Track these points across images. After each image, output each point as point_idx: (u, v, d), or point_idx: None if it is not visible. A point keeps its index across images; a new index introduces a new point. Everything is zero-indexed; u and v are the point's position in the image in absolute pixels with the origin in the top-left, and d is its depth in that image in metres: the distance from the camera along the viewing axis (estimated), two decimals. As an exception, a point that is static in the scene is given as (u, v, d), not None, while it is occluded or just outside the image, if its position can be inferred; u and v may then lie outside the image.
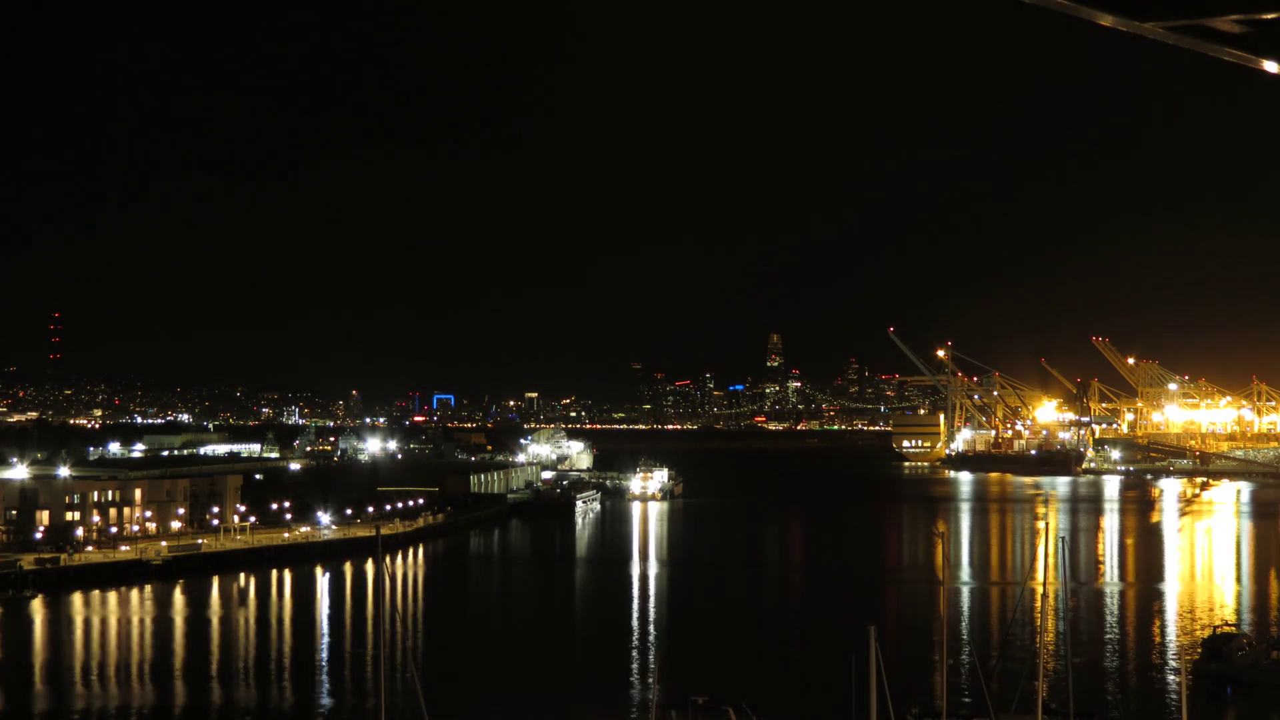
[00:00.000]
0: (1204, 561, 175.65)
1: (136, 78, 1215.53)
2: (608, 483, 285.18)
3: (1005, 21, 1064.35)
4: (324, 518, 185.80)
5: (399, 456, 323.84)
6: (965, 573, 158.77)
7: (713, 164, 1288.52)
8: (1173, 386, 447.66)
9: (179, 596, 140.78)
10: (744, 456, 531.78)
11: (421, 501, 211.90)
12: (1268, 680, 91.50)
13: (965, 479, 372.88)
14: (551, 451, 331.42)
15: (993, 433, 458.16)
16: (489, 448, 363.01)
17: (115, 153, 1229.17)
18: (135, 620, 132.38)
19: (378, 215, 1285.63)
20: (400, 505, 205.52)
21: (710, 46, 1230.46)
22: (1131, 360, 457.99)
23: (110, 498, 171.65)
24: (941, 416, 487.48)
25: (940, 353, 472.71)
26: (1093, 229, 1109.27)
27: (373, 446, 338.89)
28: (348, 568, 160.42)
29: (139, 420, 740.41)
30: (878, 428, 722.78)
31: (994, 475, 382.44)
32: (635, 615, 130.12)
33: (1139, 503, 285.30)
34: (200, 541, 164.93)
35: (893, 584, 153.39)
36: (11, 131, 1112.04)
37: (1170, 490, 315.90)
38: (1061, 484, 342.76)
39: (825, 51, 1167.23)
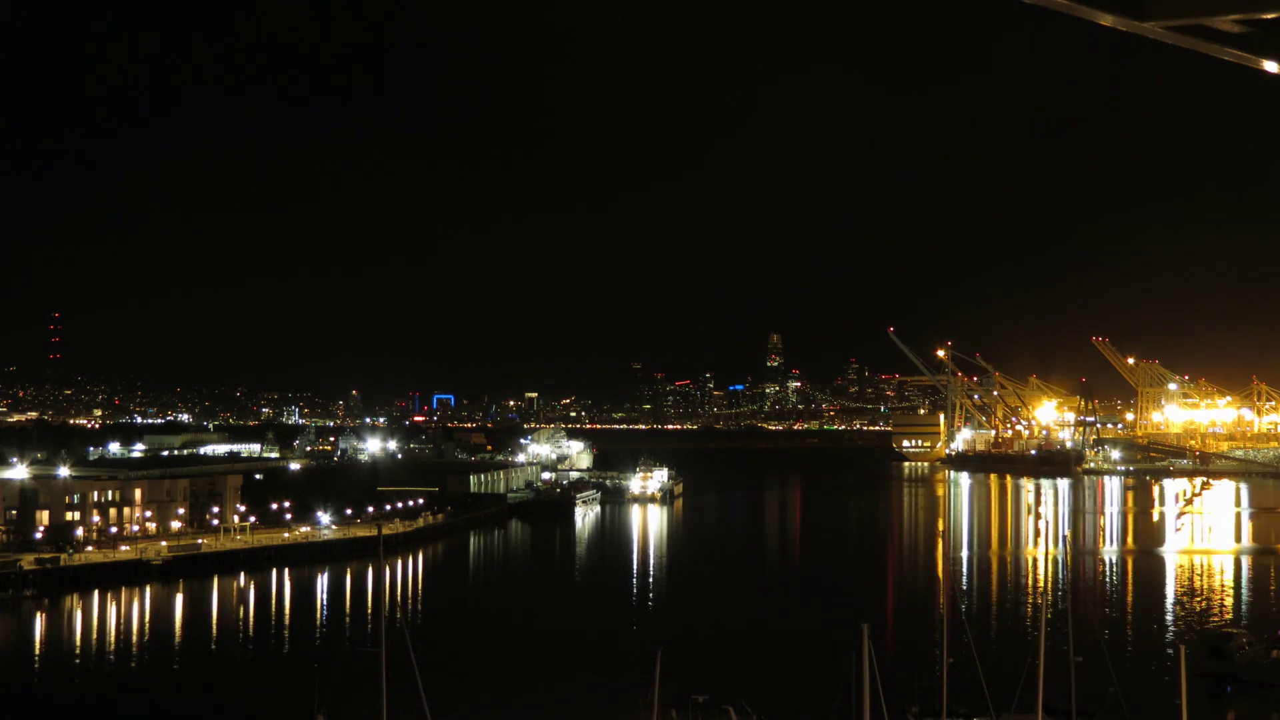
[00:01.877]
0: (1204, 561, 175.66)
1: (134, 74, 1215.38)
2: (607, 483, 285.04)
3: (1006, 24, 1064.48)
4: (324, 518, 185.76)
5: (399, 456, 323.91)
6: (966, 571, 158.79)
7: (714, 164, 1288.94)
8: (1173, 386, 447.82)
9: (179, 597, 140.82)
10: (744, 456, 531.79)
11: (421, 501, 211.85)
12: (1267, 679, 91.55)
13: (965, 479, 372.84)
14: (551, 451, 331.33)
15: (993, 433, 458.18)
16: (489, 448, 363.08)
17: (115, 151, 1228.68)
18: (135, 620, 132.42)
19: (378, 216, 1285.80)
20: (400, 505, 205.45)
21: (713, 46, 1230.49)
22: (1131, 360, 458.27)
23: (110, 498, 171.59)
24: (941, 416, 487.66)
25: (940, 352, 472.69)
26: (1093, 231, 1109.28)
27: (373, 446, 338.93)
28: (348, 568, 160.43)
29: (139, 420, 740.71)
30: (878, 428, 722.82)
31: (994, 475, 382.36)
32: (635, 613, 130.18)
33: (1139, 502, 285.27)
34: (200, 541, 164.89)
35: (893, 582, 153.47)
36: (10, 131, 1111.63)
37: (1170, 490, 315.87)
38: (1062, 484, 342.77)
39: (825, 51, 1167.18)
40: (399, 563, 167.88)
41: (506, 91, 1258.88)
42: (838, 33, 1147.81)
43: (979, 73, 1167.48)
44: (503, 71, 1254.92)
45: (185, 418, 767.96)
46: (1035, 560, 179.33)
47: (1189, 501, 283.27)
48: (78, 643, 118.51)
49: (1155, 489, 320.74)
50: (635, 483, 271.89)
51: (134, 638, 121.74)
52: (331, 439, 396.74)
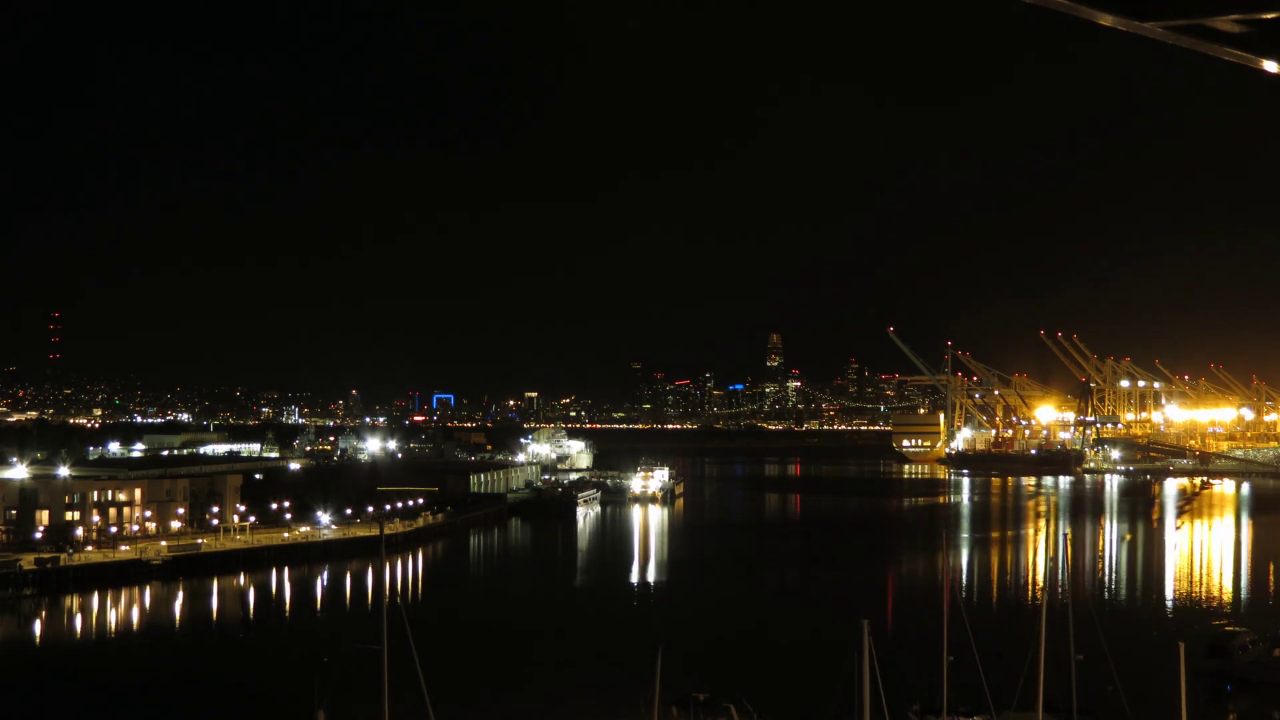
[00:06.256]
0: (1204, 560, 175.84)
1: (134, 71, 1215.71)
2: (608, 482, 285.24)
3: (1010, 31, 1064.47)
4: (324, 518, 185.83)
5: (399, 456, 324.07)
6: (966, 569, 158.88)
7: (716, 163, 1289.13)
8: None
9: (179, 596, 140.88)
10: (744, 456, 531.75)
11: (421, 501, 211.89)
12: (1269, 678, 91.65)
13: (965, 478, 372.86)
14: (551, 451, 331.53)
15: (993, 432, 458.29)
16: (489, 447, 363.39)
17: (115, 150, 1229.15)
18: (135, 620, 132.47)
19: (378, 215, 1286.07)
20: (400, 505, 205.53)
21: (715, 47, 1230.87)
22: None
23: (110, 498, 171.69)
24: (941, 416, 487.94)
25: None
26: (1095, 235, 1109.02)
27: (373, 446, 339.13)
28: (348, 568, 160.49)
29: (139, 420, 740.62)
30: (878, 427, 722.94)
31: (994, 474, 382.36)
32: (635, 611, 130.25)
33: (1139, 502, 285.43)
34: (200, 541, 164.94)
35: (894, 581, 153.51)
36: (8, 130, 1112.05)
37: (1170, 490, 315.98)
38: (1062, 483, 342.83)
39: (829, 57, 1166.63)
40: (399, 562, 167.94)
41: (513, 84, 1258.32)
42: (843, 38, 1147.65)
43: (984, 80, 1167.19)
44: (512, 62, 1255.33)
45: (185, 417, 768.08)
46: (1035, 558, 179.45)
47: (1189, 501, 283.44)
48: (78, 643, 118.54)
49: (1155, 488, 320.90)
50: (636, 482, 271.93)
51: (134, 638, 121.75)
52: (331, 439, 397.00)
